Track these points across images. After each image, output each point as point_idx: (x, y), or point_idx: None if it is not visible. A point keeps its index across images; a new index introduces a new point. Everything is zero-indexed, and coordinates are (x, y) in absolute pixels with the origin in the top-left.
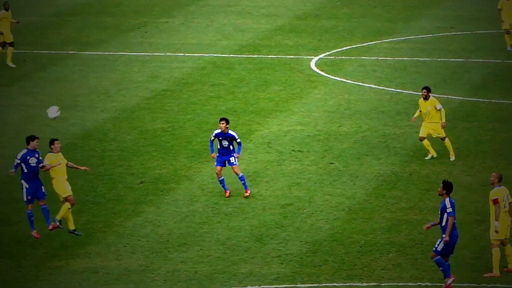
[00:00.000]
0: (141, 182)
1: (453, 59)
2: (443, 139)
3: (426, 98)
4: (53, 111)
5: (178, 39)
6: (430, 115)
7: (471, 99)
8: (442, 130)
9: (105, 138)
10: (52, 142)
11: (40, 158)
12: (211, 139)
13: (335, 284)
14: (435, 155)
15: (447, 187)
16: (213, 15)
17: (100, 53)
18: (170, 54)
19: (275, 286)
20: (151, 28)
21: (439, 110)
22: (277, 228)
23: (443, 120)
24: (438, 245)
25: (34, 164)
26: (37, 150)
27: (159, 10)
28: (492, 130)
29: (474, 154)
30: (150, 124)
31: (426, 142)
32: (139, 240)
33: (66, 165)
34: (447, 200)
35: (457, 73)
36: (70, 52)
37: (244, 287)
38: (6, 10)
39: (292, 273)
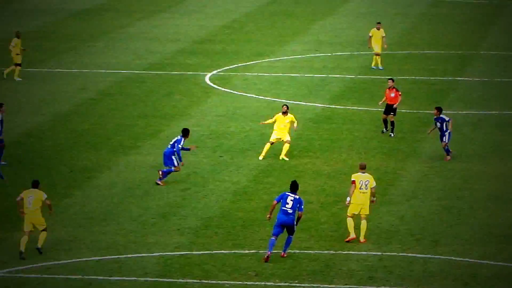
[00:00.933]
0: (71, 171)
1: (316, 75)
2: (288, 142)
3: (285, 113)
4: None
5: (101, 59)
6: (284, 125)
7: (330, 106)
8: (288, 135)
9: (43, 136)
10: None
11: None
12: (181, 149)
13: (223, 251)
14: (261, 158)
15: (290, 185)
16: (129, 40)
17: (40, 70)
18: (95, 70)
19: (176, 252)
20: (81, 50)
21: (295, 121)
22: (178, 207)
23: (295, 127)
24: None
25: None
26: None
27: (87, 36)
28: (347, 131)
29: (332, 149)
30: (79, 125)
31: (268, 146)
32: (69, 216)
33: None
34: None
35: (319, 86)
36: None
37: (151, 253)
38: (18, 37)
39: (189, 242)
